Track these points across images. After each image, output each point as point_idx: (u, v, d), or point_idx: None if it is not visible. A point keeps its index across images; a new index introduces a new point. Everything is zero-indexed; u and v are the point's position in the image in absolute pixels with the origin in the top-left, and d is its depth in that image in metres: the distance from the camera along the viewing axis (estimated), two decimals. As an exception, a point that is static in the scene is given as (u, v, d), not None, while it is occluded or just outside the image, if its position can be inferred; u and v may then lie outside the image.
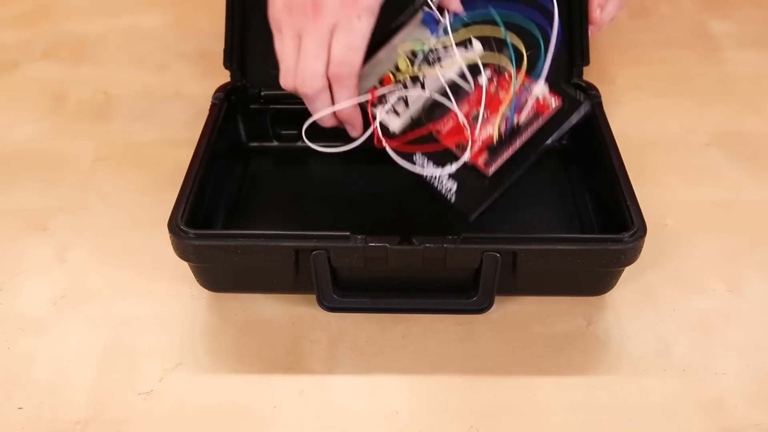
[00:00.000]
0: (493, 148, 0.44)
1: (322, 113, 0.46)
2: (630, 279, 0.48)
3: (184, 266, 0.46)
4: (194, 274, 0.47)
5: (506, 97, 0.44)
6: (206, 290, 0.48)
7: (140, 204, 0.54)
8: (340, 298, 0.46)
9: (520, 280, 0.45)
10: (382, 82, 0.47)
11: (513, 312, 0.47)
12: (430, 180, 0.44)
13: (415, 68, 0.46)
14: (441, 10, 0.46)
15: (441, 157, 0.45)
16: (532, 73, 0.44)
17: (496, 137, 0.44)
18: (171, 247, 0.44)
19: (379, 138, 0.45)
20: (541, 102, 0.45)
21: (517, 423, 0.41)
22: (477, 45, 0.46)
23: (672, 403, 0.42)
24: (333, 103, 0.45)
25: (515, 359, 0.44)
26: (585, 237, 0.45)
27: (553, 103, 0.45)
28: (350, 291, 0.46)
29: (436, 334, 0.46)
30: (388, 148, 0.44)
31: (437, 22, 0.46)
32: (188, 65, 0.69)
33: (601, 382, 0.43)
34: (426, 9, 0.46)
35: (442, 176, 0.44)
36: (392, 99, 0.46)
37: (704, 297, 0.47)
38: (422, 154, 0.45)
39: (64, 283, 0.49)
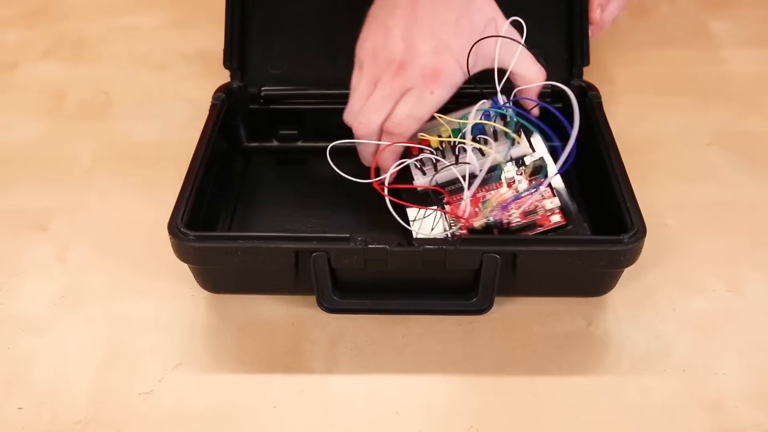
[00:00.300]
0: (473, 231, 0.46)
1: (360, 139, 0.48)
2: (630, 279, 0.48)
3: (184, 266, 0.46)
4: (194, 276, 0.47)
5: (509, 193, 0.46)
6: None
7: (140, 204, 0.54)
8: (339, 299, 0.46)
9: (520, 281, 0.44)
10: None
11: (513, 312, 0.47)
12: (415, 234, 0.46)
13: (457, 140, 0.47)
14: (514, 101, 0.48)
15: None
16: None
17: (480, 222, 0.46)
18: (171, 247, 0.44)
19: (379, 186, 0.45)
20: (546, 215, 0.46)
21: (517, 423, 0.41)
22: (523, 147, 0.48)
23: (672, 403, 0.42)
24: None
25: (515, 359, 0.44)
26: (584, 238, 0.45)
27: (557, 219, 0.46)
28: (350, 292, 0.46)
29: (436, 334, 0.46)
30: (387, 199, 0.45)
31: (504, 117, 0.48)
32: (188, 65, 0.69)
33: (601, 382, 0.43)
34: (496, 99, 0.47)
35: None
36: (424, 157, 0.48)
37: (704, 297, 0.47)
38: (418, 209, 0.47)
39: (64, 283, 0.49)
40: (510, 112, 0.47)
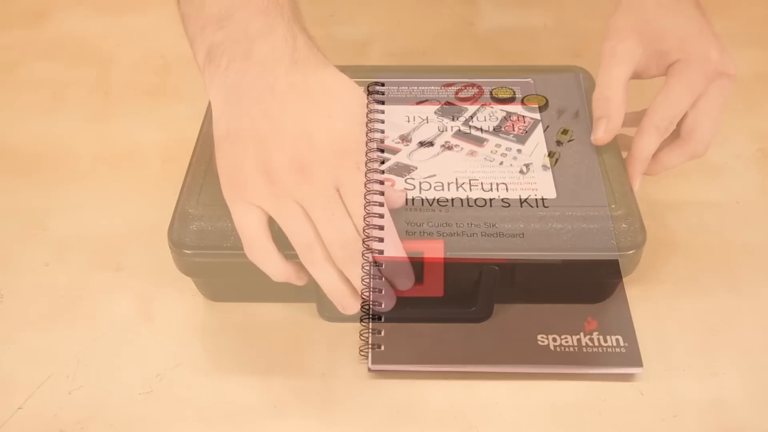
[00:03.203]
0: None
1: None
2: (630, 280, 0.47)
3: (184, 266, 0.46)
4: (196, 286, 0.47)
5: None
6: (206, 290, 0.48)
7: (140, 204, 0.54)
8: None
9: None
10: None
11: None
12: None
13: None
14: None
15: None
16: None
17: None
18: (170, 247, 0.44)
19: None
20: None
21: (517, 423, 0.41)
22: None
23: (672, 403, 0.42)
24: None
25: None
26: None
27: None
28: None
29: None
30: None
31: None
32: (188, 65, 0.69)
33: (602, 382, 0.43)
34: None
35: None
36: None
37: (704, 297, 0.47)
38: None
39: (63, 283, 0.49)
40: None
